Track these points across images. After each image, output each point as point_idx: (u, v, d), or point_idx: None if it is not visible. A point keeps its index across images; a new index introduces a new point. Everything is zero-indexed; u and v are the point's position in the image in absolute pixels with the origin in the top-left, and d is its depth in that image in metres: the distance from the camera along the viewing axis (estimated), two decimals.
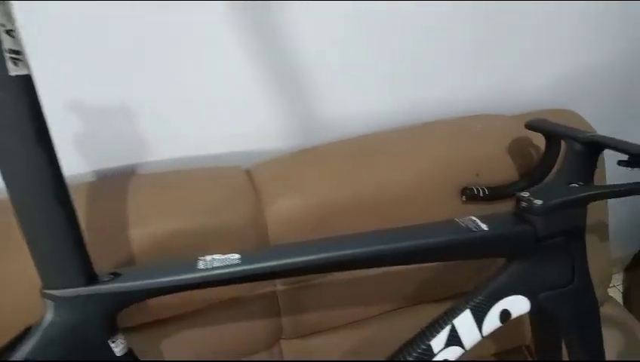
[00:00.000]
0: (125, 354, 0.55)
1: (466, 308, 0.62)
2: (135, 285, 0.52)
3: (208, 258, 0.54)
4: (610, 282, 0.99)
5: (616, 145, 0.61)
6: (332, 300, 0.84)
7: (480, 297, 0.62)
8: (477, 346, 0.63)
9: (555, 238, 0.60)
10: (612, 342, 0.89)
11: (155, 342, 0.75)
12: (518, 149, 0.84)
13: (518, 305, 0.62)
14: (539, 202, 0.58)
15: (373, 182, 0.79)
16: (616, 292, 1.78)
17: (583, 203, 0.59)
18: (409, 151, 0.84)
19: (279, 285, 0.82)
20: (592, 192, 0.59)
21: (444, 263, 0.83)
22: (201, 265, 0.53)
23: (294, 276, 0.62)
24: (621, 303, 1.72)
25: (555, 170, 0.72)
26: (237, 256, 0.54)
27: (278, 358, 0.85)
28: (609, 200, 1.42)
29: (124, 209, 0.69)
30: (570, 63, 1.03)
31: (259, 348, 0.83)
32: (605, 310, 0.95)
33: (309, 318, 0.83)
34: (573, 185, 0.61)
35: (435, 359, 0.63)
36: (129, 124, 0.75)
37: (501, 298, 0.62)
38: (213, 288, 0.73)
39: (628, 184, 0.58)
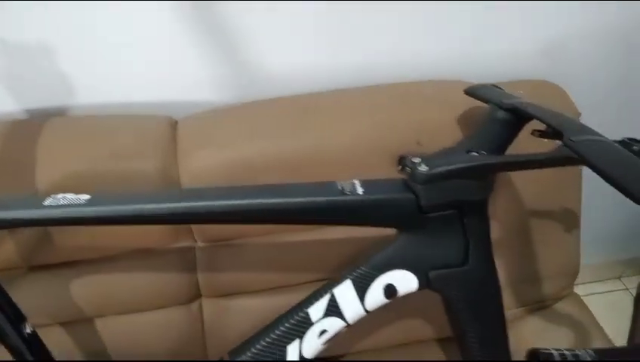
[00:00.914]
0: None
1: (347, 277, 0.58)
2: None
3: (60, 196, 0.53)
4: (576, 277, 0.90)
5: (538, 115, 0.54)
6: (253, 263, 0.81)
7: (363, 268, 0.58)
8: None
9: (444, 211, 0.53)
10: (557, 341, 0.81)
11: (65, 283, 0.76)
12: (467, 118, 0.77)
13: (404, 281, 0.57)
14: (423, 169, 0.52)
15: (303, 142, 0.76)
16: (626, 295, 1.63)
17: (474, 174, 0.52)
18: (347, 113, 0.79)
19: (199, 241, 0.81)
20: (485, 162, 0.51)
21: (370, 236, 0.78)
22: (48, 202, 0.52)
23: (140, 224, 0.58)
24: (631, 306, 1.58)
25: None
26: (87, 196, 0.52)
27: (197, 314, 0.84)
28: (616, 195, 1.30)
29: (34, 149, 0.70)
30: (559, 27, 0.92)
31: (175, 302, 0.82)
32: (562, 306, 0.87)
33: (227, 278, 0.82)
34: (473, 153, 0.54)
35: (312, 328, 0.59)
36: (52, 66, 0.74)
37: (385, 271, 0.57)
38: (127, 236, 0.74)
39: (534, 154, 0.51)
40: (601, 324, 1.49)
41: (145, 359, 0.81)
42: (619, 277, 1.70)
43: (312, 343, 0.59)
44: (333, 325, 0.59)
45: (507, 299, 0.87)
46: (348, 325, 0.60)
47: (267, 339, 0.60)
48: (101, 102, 0.81)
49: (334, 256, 0.80)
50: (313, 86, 0.83)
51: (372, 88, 0.83)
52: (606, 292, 1.65)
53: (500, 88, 0.70)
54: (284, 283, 0.82)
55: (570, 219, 0.87)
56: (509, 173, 0.82)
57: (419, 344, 0.91)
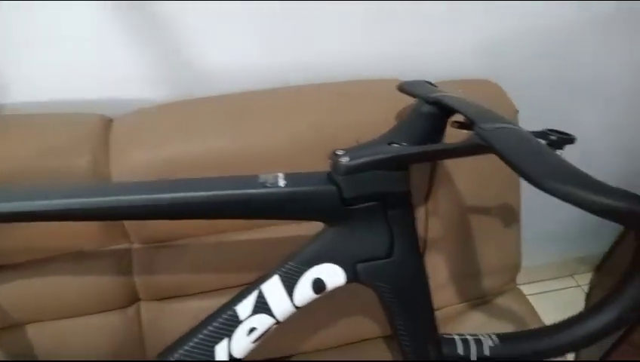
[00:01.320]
0: None
1: (275, 273, 0.57)
2: None
3: None
4: (517, 272, 0.91)
5: (455, 106, 0.55)
6: (191, 265, 0.80)
7: (291, 263, 0.57)
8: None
9: (367, 203, 0.53)
10: None
11: None
12: (403, 114, 0.77)
13: (332, 274, 0.57)
14: (344, 160, 0.52)
15: (236, 142, 0.74)
16: (579, 292, 1.68)
17: (392, 164, 0.52)
18: (283, 112, 0.78)
19: (135, 243, 0.79)
20: (402, 153, 0.52)
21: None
22: None
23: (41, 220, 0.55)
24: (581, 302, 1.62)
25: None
26: None
27: (135, 318, 0.81)
28: None
29: None
30: (496, 27, 0.94)
31: (113, 305, 0.80)
32: (504, 300, 0.89)
33: (165, 280, 0.80)
34: (395, 145, 0.54)
35: (241, 327, 0.58)
36: None
37: (312, 265, 0.57)
38: (61, 238, 0.71)
39: (448, 144, 0.51)
40: (554, 320, 1.54)
41: None
42: (572, 275, 1.74)
43: (241, 342, 0.58)
44: (263, 322, 0.58)
45: (449, 294, 0.88)
46: (278, 322, 0.59)
47: (195, 340, 0.58)
48: (38, 100, 0.78)
49: (274, 256, 0.77)
50: (251, 84, 0.82)
51: (309, 87, 0.83)
52: (559, 289, 1.69)
53: (433, 85, 0.71)
54: (224, 285, 0.81)
55: (509, 216, 0.88)
56: (450, 170, 0.83)
57: (365, 342, 0.91)
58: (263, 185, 0.52)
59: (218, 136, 0.74)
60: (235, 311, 0.58)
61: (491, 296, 0.88)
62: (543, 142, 0.47)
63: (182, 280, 0.80)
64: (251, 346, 0.60)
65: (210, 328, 0.58)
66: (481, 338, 0.36)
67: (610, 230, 1.51)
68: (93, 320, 0.79)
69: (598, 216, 0.33)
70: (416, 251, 0.58)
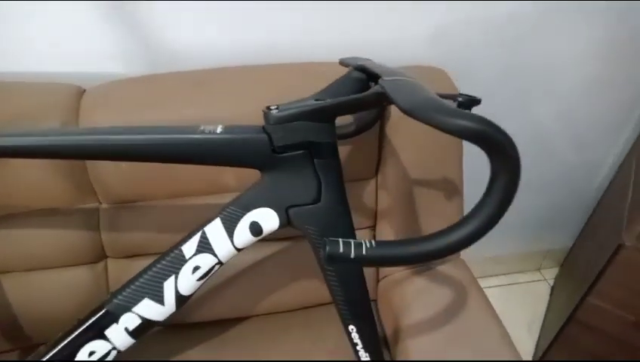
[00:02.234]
0: None
1: (217, 216, 0.65)
2: None
3: None
4: None
5: (371, 67, 0.63)
6: (155, 225, 0.87)
7: (231, 207, 0.64)
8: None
9: (295, 151, 0.60)
10: (437, 298, 0.88)
11: None
12: None
13: (267, 218, 0.64)
14: (274, 112, 0.59)
15: (189, 114, 0.81)
16: (544, 286, 1.74)
17: (316, 116, 0.59)
18: (242, 87, 0.85)
19: (103, 203, 0.86)
20: (321, 105, 0.58)
21: None
22: None
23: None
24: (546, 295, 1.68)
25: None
26: None
27: (102, 274, 0.88)
28: (533, 184, 1.41)
29: None
30: (449, 16, 1.01)
31: (81, 261, 0.87)
32: (446, 268, 0.95)
33: (130, 239, 0.87)
34: (319, 100, 0.62)
35: (186, 265, 0.65)
36: None
37: (250, 209, 0.63)
38: (33, 194, 0.79)
39: (358, 95, 0.58)
40: (519, 311, 1.60)
41: (50, 316, 0.85)
42: (538, 269, 1.81)
43: (187, 279, 0.65)
44: (206, 262, 0.65)
45: None
46: (220, 262, 0.66)
47: (145, 276, 0.65)
48: (14, 71, 0.86)
49: None
50: (216, 62, 0.90)
51: (266, 66, 0.90)
52: (525, 282, 1.76)
53: (372, 60, 0.79)
54: None
55: (452, 189, 0.95)
56: (396, 146, 0.90)
57: (321, 307, 0.98)
58: (202, 132, 0.60)
59: (182, 107, 0.81)
60: (181, 251, 0.65)
61: (434, 264, 0.95)
62: (451, 102, 0.53)
63: (145, 239, 0.87)
64: (196, 284, 0.66)
65: (159, 266, 0.65)
66: (362, 242, 0.42)
67: (576, 224, 1.57)
68: (64, 273, 0.87)
69: (455, 135, 0.39)
70: (342, 197, 0.65)
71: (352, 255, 0.42)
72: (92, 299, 0.88)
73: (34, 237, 0.83)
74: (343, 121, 0.83)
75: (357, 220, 0.96)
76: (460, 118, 0.39)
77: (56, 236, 0.84)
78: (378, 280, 1.00)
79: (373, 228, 0.98)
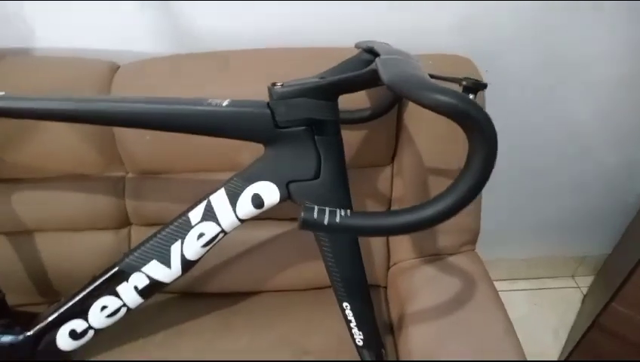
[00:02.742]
0: None
1: (222, 187, 0.68)
2: None
3: None
4: (476, 237, 0.96)
5: (377, 47, 0.64)
6: (177, 197, 0.91)
7: (235, 179, 0.67)
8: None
9: (297, 127, 0.62)
10: (444, 288, 0.88)
11: (7, 198, 0.89)
12: None
13: (268, 192, 0.66)
14: (278, 88, 0.61)
15: (223, 89, 0.84)
16: (576, 293, 1.67)
17: (318, 93, 0.60)
18: (259, 71, 0.87)
19: (130, 172, 0.92)
20: (322, 83, 0.60)
21: None
22: None
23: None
24: (579, 304, 1.61)
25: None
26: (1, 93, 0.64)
27: (125, 240, 0.95)
28: (574, 186, 1.35)
29: None
30: (479, 5, 0.99)
31: (107, 226, 0.93)
32: (456, 259, 0.94)
33: (153, 208, 0.92)
34: (323, 78, 0.63)
35: (192, 231, 0.69)
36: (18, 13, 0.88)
37: (252, 182, 0.66)
38: (64, 161, 0.86)
39: (357, 72, 0.58)
40: (547, 316, 1.54)
41: (76, 274, 0.92)
42: (572, 276, 1.73)
43: (192, 245, 0.69)
44: (210, 229, 0.68)
45: (407, 249, 0.95)
46: (223, 231, 0.69)
47: (155, 239, 0.70)
48: (60, 47, 0.94)
49: None
50: (241, 45, 0.93)
51: (289, 49, 0.93)
52: (557, 288, 1.69)
53: (388, 45, 0.79)
54: None
55: None
56: (413, 134, 0.90)
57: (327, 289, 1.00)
58: (209, 105, 0.63)
59: (202, 88, 0.85)
60: (188, 217, 0.69)
61: (446, 255, 0.94)
62: (456, 86, 0.53)
63: (166, 209, 0.92)
64: (201, 250, 0.70)
65: (168, 230, 0.70)
66: (337, 210, 0.43)
67: (616, 229, 1.48)
68: (91, 236, 0.93)
69: (433, 110, 0.39)
70: (341, 175, 0.66)
71: (326, 221, 0.43)
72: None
73: (65, 200, 0.90)
74: (358, 105, 0.85)
75: (371, 206, 0.97)
76: (438, 93, 0.39)
77: (86, 200, 0.91)
78: (388, 267, 1.00)
79: None
